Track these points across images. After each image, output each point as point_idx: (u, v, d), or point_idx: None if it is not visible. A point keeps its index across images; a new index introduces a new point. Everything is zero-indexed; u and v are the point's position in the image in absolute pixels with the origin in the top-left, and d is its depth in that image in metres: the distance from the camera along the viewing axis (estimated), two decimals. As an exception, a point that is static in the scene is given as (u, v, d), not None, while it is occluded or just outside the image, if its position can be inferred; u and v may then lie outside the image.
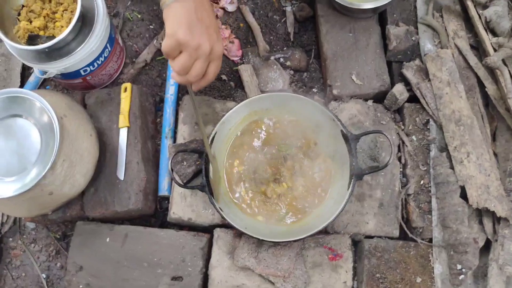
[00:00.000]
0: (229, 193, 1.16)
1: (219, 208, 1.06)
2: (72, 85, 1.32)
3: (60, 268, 1.28)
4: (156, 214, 1.28)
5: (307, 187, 1.16)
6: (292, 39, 1.47)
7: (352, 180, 1.06)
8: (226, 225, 1.17)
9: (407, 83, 1.27)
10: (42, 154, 1.00)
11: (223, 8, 1.47)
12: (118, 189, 1.17)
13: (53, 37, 1.15)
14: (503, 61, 1.15)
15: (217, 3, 1.46)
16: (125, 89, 1.26)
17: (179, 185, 1.06)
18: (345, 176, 1.11)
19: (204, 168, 1.09)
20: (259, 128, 1.21)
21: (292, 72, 1.44)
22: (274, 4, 1.49)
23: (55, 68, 1.17)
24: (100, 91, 1.29)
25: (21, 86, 1.38)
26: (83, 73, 1.24)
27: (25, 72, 1.41)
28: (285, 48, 1.46)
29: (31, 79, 1.37)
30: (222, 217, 1.06)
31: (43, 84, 1.41)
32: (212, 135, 1.12)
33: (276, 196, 1.16)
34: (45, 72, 1.19)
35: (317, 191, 1.16)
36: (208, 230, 1.19)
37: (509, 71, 1.14)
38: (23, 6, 1.18)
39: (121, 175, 1.18)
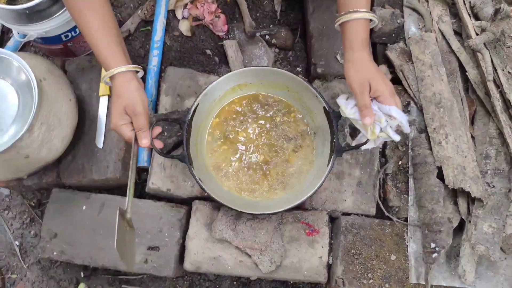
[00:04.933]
0: (209, 165, 1.16)
1: (199, 179, 1.06)
2: (53, 51, 1.29)
3: (34, 236, 1.26)
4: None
5: (288, 162, 1.16)
6: (278, 17, 1.46)
7: (332, 156, 1.07)
8: (205, 198, 1.17)
9: (390, 64, 1.28)
10: (19, 115, 0.98)
11: (210, -18, 1.45)
12: (96, 158, 1.15)
13: (33, -1, 1.12)
14: (485, 45, 1.17)
15: (204, -24, 1.44)
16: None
17: (159, 153, 1.04)
18: (325, 153, 1.12)
19: (185, 139, 1.08)
20: (243, 101, 1.21)
21: (277, 50, 1.43)
22: (262, -19, 1.48)
23: (35, 31, 1.14)
24: (81, 58, 1.27)
25: (0, 50, 1.34)
26: (64, 39, 1.22)
27: (4, 36, 1.38)
28: (271, 26, 1.45)
29: (10, 43, 1.33)
30: (202, 189, 1.05)
31: (23, 49, 1.37)
32: (194, 106, 1.11)
33: (257, 170, 1.15)
34: (25, 35, 1.16)
35: (297, 167, 1.16)
36: (186, 202, 1.19)
37: (490, 54, 1.16)
38: (3, -35, 1.15)
39: (100, 143, 1.16)
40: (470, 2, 1.21)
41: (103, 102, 1.19)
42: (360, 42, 0.94)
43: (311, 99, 1.14)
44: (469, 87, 1.22)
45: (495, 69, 1.15)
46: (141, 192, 1.26)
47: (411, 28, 1.30)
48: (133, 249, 1.00)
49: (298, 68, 1.42)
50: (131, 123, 0.98)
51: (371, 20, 0.96)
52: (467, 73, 1.20)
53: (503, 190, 1.11)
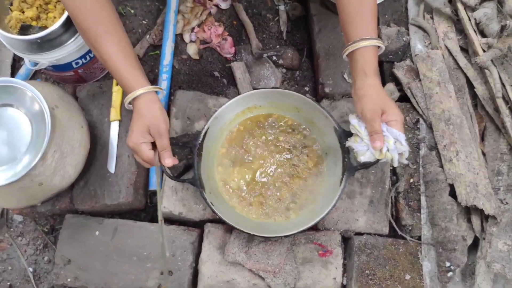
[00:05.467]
0: (221, 188, 1.16)
1: (210, 202, 1.06)
2: (64, 78, 1.31)
3: (47, 262, 1.27)
4: (146, 209, 1.27)
5: (300, 183, 1.16)
6: (284, 38, 1.47)
7: (344, 176, 1.07)
8: (217, 220, 1.17)
9: (397, 82, 1.29)
10: (33, 144, 0.99)
11: (217, 5, 1.47)
12: (108, 182, 1.16)
13: (46, 27, 1.14)
14: (492, 61, 1.17)
15: (210, 0, 1.46)
16: (117, 83, 1.25)
17: (170, 177, 1.05)
18: (337, 172, 1.12)
19: (196, 163, 1.09)
20: (254, 122, 1.22)
21: (284, 70, 1.44)
22: (267, 3, 1.50)
23: (46, 59, 1.16)
24: (92, 84, 1.28)
25: (12, 77, 1.36)
26: (74, 66, 1.24)
27: (16, 64, 1.40)
28: (277, 47, 1.46)
29: (22, 71, 1.35)
30: (213, 212, 1.05)
31: (34, 77, 1.40)
32: (204, 130, 1.12)
33: (269, 192, 1.16)
34: (36, 64, 1.18)
35: (309, 188, 1.16)
36: (198, 225, 1.19)
37: (497, 71, 1.16)
38: (15, -4, 1.18)
39: (111, 168, 1.17)
40: (475, 19, 1.22)
41: (114, 127, 1.20)
42: (372, 69, 0.95)
43: (321, 119, 1.15)
44: (477, 103, 1.23)
45: (503, 85, 1.15)
46: (153, 216, 1.27)
47: (417, 45, 1.31)
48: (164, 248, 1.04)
49: (305, 88, 1.43)
50: (151, 143, 0.99)
51: (378, 47, 0.98)
52: (475, 90, 1.20)
53: (516, 207, 1.10)
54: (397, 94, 1.26)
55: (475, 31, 1.23)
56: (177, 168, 1.16)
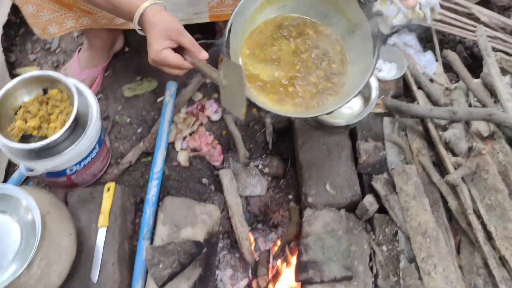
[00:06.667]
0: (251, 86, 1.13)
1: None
2: (56, 183, 1.35)
3: None
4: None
5: (329, 71, 1.17)
6: (270, 148, 1.57)
7: (377, 45, 1.05)
8: None
9: (376, 194, 1.35)
10: (21, 251, 1.01)
11: (208, 117, 1.58)
12: (90, 291, 1.15)
13: (46, 137, 1.20)
14: (463, 178, 1.26)
15: (202, 112, 1.58)
16: (108, 189, 1.30)
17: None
18: (367, 48, 1.09)
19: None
20: (273, 26, 1.22)
21: (270, 178, 1.52)
22: (255, 116, 1.62)
23: (43, 166, 1.21)
24: (83, 190, 1.33)
25: (5, 181, 1.40)
26: (68, 172, 1.29)
27: (10, 167, 1.44)
28: (264, 156, 1.55)
29: (15, 175, 1.40)
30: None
31: (26, 180, 1.44)
32: (228, 27, 1.08)
33: (300, 83, 1.15)
34: (31, 170, 1.22)
35: (340, 72, 1.17)
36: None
37: (468, 188, 1.24)
38: (20, 106, 1.25)
39: (94, 277, 1.17)
40: (445, 138, 1.33)
41: (101, 234, 1.22)
42: None
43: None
44: (452, 216, 1.29)
45: (474, 201, 1.23)
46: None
47: (394, 160, 1.40)
48: (242, 96, 0.94)
49: (290, 196, 1.49)
50: (173, 48, 0.97)
51: None
52: (448, 204, 1.27)
53: (496, 322, 1.11)
54: (376, 206, 1.32)
55: (446, 149, 1.34)
56: (161, 277, 1.17)
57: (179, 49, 0.99)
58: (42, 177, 1.32)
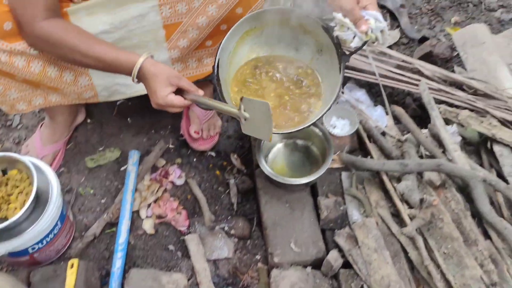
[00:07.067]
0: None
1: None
2: (18, 263, 1.33)
3: None
4: None
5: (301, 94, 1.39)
6: (235, 209, 1.59)
7: (342, 64, 1.27)
8: None
9: (340, 249, 1.38)
10: None
11: (172, 182, 1.61)
12: None
13: (6, 218, 1.20)
14: (420, 229, 1.30)
15: (166, 178, 1.60)
16: (72, 265, 1.28)
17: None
18: (334, 63, 1.31)
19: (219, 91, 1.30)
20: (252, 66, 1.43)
21: (236, 240, 1.53)
22: (219, 177, 1.65)
23: (3, 248, 1.20)
24: (46, 268, 1.31)
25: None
26: (31, 251, 1.27)
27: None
28: (229, 217, 1.57)
29: (-24, 257, 1.37)
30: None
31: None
32: (216, 63, 1.29)
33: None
34: (-8, 252, 1.21)
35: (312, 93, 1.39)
36: None
37: (425, 238, 1.29)
38: (-21, 190, 1.25)
39: None
40: (399, 191, 1.39)
41: (65, 313, 1.20)
42: None
43: (310, 23, 1.33)
44: (414, 266, 1.32)
45: (432, 251, 1.27)
46: None
47: (354, 213, 1.45)
48: (269, 124, 1.13)
49: (257, 256, 1.50)
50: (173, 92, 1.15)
51: None
52: (409, 255, 1.31)
53: None
54: (340, 261, 1.34)
55: (401, 201, 1.39)
56: None
57: (178, 91, 1.19)
58: (4, 258, 1.30)
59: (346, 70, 1.50)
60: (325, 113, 1.29)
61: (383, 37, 1.20)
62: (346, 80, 1.81)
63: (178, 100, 1.16)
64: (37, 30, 1.11)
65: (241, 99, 1.14)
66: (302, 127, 1.29)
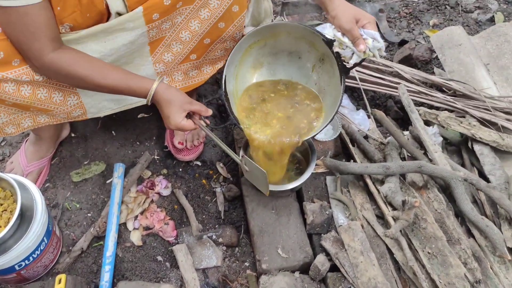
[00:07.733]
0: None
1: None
2: (5, 280, 1.32)
3: None
4: None
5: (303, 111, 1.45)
6: (223, 217, 1.60)
7: (342, 77, 1.33)
8: None
9: (327, 253, 1.40)
10: None
11: (158, 193, 1.61)
12: None
13: (-9, 237, 1.20)
14: (403, 230, 1.32)
15: (152, 189, 1.60)
16: (60, 281, 1.28)
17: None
18: (336, 74, 1.35)
19: (227, 106, 1.39)
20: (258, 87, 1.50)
21: (224, 248, 1.54)
22: (205, 186, 1.66)
23: (-11, 267, 1.19)
24: (34, 284, 1.30)
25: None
26: (17, 268, 1.27)
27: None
28: (217, 226, 1.58)
29: (-38, 276, 1.36)
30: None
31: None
32: (223, 79, 1.36)
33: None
34: (-23, 275, 1.20)
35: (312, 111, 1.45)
36: None
37: (409, 239, 1.31)
38: (-37, 209, 1.25)
39: None
40: (382, 193, 1.41)
41: (54, 330, 1.20)
42: None
43: (312, 37, 1.36)
44: (400, 267, 1.34)
45: (416, 251, 1.29)
46: None
47: (340, 217, 1.46)
48: (266, 185, 1.31)
49: (246, 263, 1.51)
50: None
51: None
52: (394, 255, 1.33)
53: None
54: (327, 265, 1.36)
55: (385, 203, 1.41)
56: None
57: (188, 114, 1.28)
58: (-10, 276, 1.29)
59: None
60: (326, 125, 1.38)
61: (380, 54, 1.26)
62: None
63: (189, 124, 1.25)
64: (47, 63, 1.12)
65: (242, 156, 1.30)
66: (296, 185, 1.40)
